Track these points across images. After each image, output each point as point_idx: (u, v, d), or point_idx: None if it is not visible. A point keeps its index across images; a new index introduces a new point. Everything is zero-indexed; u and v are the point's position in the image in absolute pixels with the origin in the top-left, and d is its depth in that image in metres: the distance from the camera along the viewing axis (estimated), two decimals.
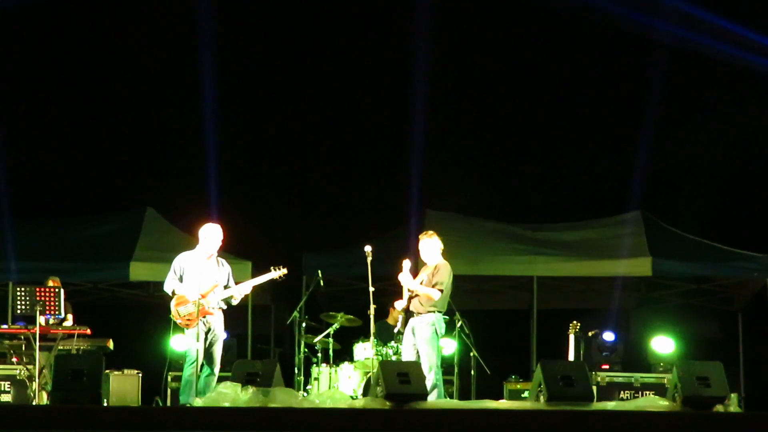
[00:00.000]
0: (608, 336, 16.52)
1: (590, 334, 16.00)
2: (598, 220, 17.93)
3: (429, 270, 12.93)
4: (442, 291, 12.75)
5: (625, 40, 18.88)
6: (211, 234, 12.68)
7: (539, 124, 20.45)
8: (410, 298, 12.87)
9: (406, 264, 12.93)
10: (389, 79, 19.55)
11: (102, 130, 20.18)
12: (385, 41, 19.67)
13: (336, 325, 14.82)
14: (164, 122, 19.24)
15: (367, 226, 17.52)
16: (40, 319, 13.17)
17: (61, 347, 13.60)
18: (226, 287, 12.69)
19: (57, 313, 13.23)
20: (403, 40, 18.65)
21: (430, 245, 13.03)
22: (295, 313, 14.63)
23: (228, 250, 13.33)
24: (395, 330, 13.41)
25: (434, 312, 12.77)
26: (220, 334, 12.63)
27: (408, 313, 12.91)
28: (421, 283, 12.82)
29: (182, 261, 12.67)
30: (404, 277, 12.85)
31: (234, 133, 19.31)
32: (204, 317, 12.38)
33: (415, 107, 18.50)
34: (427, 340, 12.71)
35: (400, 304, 12.95)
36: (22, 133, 19.15)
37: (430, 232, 13.21)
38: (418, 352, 12.72)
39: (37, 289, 13.13)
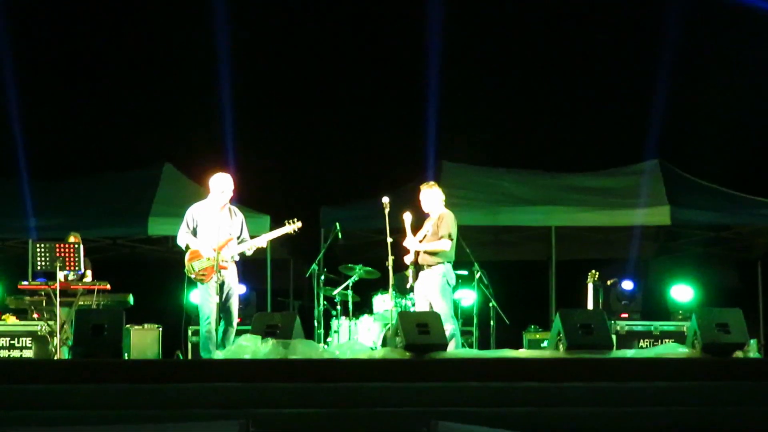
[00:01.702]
0: (627, 285, 16.46)
1: (609, 282, 15.98)
2: (616, 169, 17.84)
3: (433, 221, 12.88)
4: (451, 240, 12.74)
5: None
6: (222, 184, 12.31)
7: (556, 74, 20.33)
8: (417, 251, 12.85)
9: (407, 217, 12.87)
10: (405, 30, 19.46)
11: (118, 86, 20.16)
12: None
13: (355, 278, 14.82)
14: (181, 78, 19.23)
15: (384, 178, 17.50)
16: (60, 275, 13.25)
17: (82, 302, 13.60)
18: (239, 238, 12.40)
19: (77, 268, 13.27)
20: None
21: (432, 195, 12.98)
22: (314, 266, 14.63)
23: (246, 204, 13.27)
24: (407, 285, 13.32)
25: (443, 263, 12.74)
26: (236, 288, 12.38)
27: (417, 267, 12.88)
28: (425, 236, 12.79)
29: (195, 213, 12.34)
30: (410, 243, 12.81)
31: (250, 88, 19.27)
32: (218, 271, 12.13)
33: (431, 58, 18.43)
34: (438, 291, 12.68)
35: (408, 259, 12.89)
36: (38, 91, 19.14)
37: (431, 182, 13.19)
38: (431, 304, 12.72)
39: (57, 246, 13.14)
